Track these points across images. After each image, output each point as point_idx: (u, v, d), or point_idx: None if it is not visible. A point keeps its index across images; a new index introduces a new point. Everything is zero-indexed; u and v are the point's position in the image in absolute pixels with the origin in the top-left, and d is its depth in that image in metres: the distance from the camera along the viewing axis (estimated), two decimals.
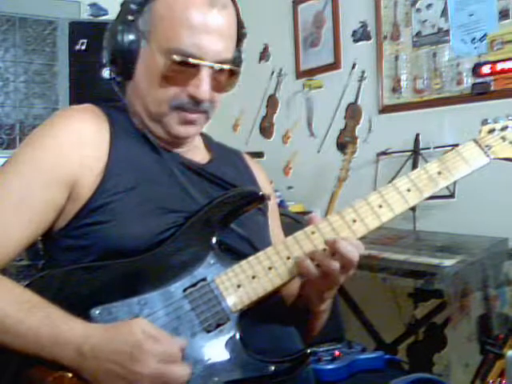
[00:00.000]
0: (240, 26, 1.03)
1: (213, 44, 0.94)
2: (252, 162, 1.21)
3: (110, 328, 0.81)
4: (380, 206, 0.94)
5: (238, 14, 1.01)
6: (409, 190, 0.95)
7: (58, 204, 0.92)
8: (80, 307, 0.83)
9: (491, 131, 1.02)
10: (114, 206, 0.91)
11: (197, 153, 1.09)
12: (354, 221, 0.93)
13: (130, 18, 0.97)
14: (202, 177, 1.03)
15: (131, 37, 0.96)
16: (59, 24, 3.15)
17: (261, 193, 0.97)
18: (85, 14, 3.21)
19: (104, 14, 3.24)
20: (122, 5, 1.00)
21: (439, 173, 0.97)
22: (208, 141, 1.16)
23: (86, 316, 0.83)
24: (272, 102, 3.19)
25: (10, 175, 0.92)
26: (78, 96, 2.68)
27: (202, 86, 0.95)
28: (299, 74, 3.02)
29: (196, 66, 0.94)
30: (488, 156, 0.99)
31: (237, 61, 1.02)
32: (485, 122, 1.04)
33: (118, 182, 0.92)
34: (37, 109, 3.22)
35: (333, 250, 0.88)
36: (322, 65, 2.87)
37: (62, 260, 0.93)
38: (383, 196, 0.95)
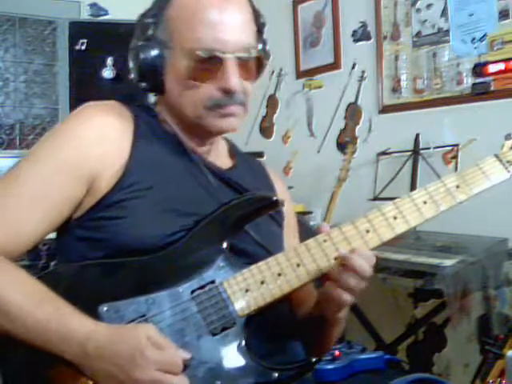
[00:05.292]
0: (257, 15, 1.02)
1: (231, 34, 0.94)
2: (273, 174, 1.20)
3: (116, 329, 0.81)
4: (395, 218, 0.93)
5: (251, 3, 1.01)
6: (425, 203, 0.94)
7: (76, 198, 0.93)
8: (88, 303, 0.84)
9: None
10: (129, 203, 0.91)
11: (220, 158, 1.09)
12: (368, 231, 0.92)
13: (149, 32, 0.97)
14: (223, 181, 1.03)
15: (154, 52, 0.96)
16: (59, 24, 3.15)
17: (274, 198, 0.96)
18: (85, 14, 3.21)
19: (104, 14, 3.25)
20: (138, 20, 1.00)
21: (457, 186, 0.95)
22: (232, 148, 1.16)
23: (93, 312, 0.83)
24: (272, 102, 3.19)
25: (29, 169, 0.92)
26: (78, 96, 2.67)
27: (230, 76, 0.94)
28: (299, 74, 3.02)
29: (220, 60, 0.94)
30: (509, 172, 0.98)
31: (262, 50, 1.02)
32: (508, 137, 1.02)
33: (137, 180, 0.93)
34: (37, 109, 3.23)
35: (344, 265, 0.88)
36: (322, 65, 2.87)
37: (73, 249, 0.94)
38: (398, 207, 0.93)
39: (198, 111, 0.97)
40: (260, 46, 1.01)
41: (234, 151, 1.14)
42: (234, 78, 0.94)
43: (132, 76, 1.00)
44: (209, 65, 0.94)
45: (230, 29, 0.94)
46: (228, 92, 0.95)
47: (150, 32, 0.97)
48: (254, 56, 0.97)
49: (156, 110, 1.04)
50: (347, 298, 0.89)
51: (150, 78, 0.98)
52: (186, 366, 0.80)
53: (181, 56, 0.95)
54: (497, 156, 0.99)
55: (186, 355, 0.81)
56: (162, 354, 0.78)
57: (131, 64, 0.99)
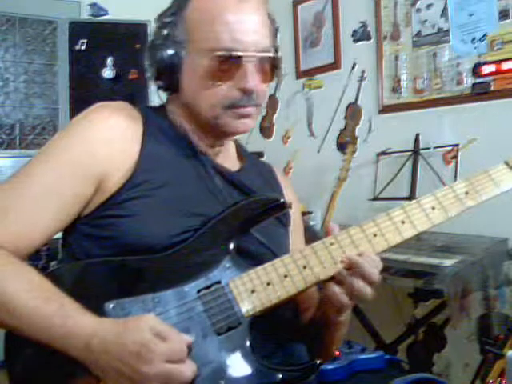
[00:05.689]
0: (271, 20, 1.03)
1: (250, 35, 0.95)
2: (282, 177, 1.20)
3: (119, 324, 0.81)
4: (402, 222, 0.93)
5: (267, 7, 1.02)
6: (433, 208, 0.94)
7: (85, 197, 0.93)
8: (95, 301, 0.84)
9: None
10: (137, 201, 0.92)
11: (229, 159, 1.09)
12: (375, 235, 0.92)
13: (166, 31, 0.98)
14: (231, 183, 1.03)
15: (171, 51, 0.97)
16: (59, 24, 3.15)
17: (282, 200, 0.96)
18: (85, 14, 3.21)
19: (104, 14, 3.24)
20: (156, 20, 1.02)
21: (466, 193, 0.95)
22: (241, 150, 1.16)
23: (99, 309, 0.84)
24: (272, 102, 3.19)
25: (41, 167, 0.93)
26: (78, 96, 2.68)
27: (249, 76, 0.95)
28: (299, 74, 3.02)
29: (239, 60, 0.94)
30: None
31: (276, 55, 1.02)
32: None
33: (146, 180, 0.93)
34: (37, 109, 3.23)
35: (352, 268, 0.88)
36: (322, 65, 2.88)
37: (79, 247, 0.94)
38: (407, 212, 0.93)
39: (216, 111, 0.97)
40: (274, 50, 1.02)
41: (242, 153, 1.15)
42: (253, 78, 0.95)
43: (148, 74, 1.01)
44: (228, 65, 0.94)
45: (248, 30, 0.95)
46: (247, 92, 0.95)
47: (168, 31, 0.98)
48: (271, 58, 0.98)
49: (167, 110, 1.05)
50: (347, 300, 0.89)
51: (166, 77, 1.00)
52: (190, 349, 0.80)
53: (199, 56, 0.95)
54: (507, 163, 0.98)
55: (189, 338, 0.81)
56: (167, 346, 0.78)
57: (148, 62, 1.01)
